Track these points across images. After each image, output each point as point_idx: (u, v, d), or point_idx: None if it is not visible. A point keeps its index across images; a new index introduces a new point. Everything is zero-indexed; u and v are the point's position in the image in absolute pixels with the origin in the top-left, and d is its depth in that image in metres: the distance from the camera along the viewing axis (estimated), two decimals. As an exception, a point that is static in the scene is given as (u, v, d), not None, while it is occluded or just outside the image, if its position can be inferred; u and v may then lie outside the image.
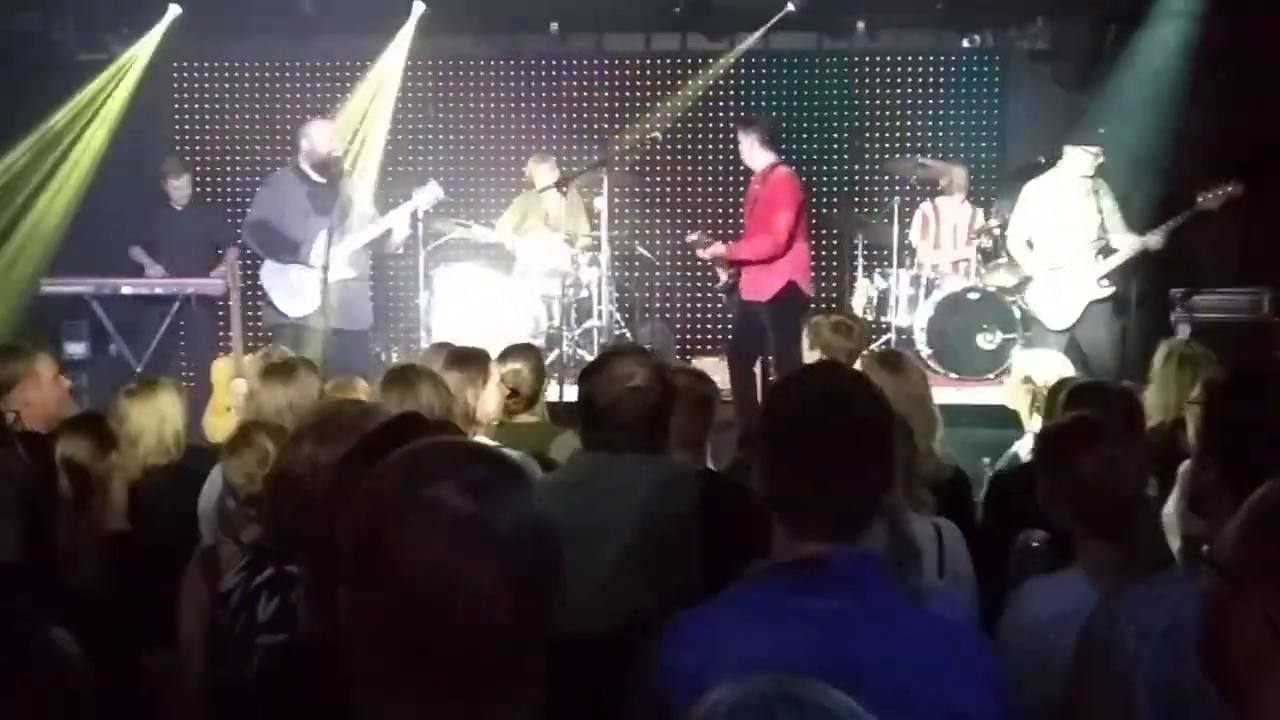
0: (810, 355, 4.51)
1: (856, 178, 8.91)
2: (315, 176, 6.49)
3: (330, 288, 6.31)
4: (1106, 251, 6.59)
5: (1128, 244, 6.49)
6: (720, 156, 8.87)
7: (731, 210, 8.74)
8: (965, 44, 8.70)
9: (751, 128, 6.65)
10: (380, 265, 7.23)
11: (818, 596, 1.62)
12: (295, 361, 3.94)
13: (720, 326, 8.83)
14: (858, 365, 3.83)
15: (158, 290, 7.59)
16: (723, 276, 6.83)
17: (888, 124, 8.85)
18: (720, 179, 8.98)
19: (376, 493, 1.16)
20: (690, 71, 8.90)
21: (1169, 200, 6.67)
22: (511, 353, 4.15)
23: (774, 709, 1.06)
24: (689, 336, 8.94)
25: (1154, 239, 6.44)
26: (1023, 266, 6.88)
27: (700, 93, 8.83)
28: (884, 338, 7.50)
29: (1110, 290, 6.58)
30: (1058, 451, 2.43)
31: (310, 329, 6.33)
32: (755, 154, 6.61)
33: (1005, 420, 5.38)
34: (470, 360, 3.75)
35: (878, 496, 1.70)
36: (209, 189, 8.92)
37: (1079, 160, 6.49)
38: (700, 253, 6.91)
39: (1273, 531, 1.21)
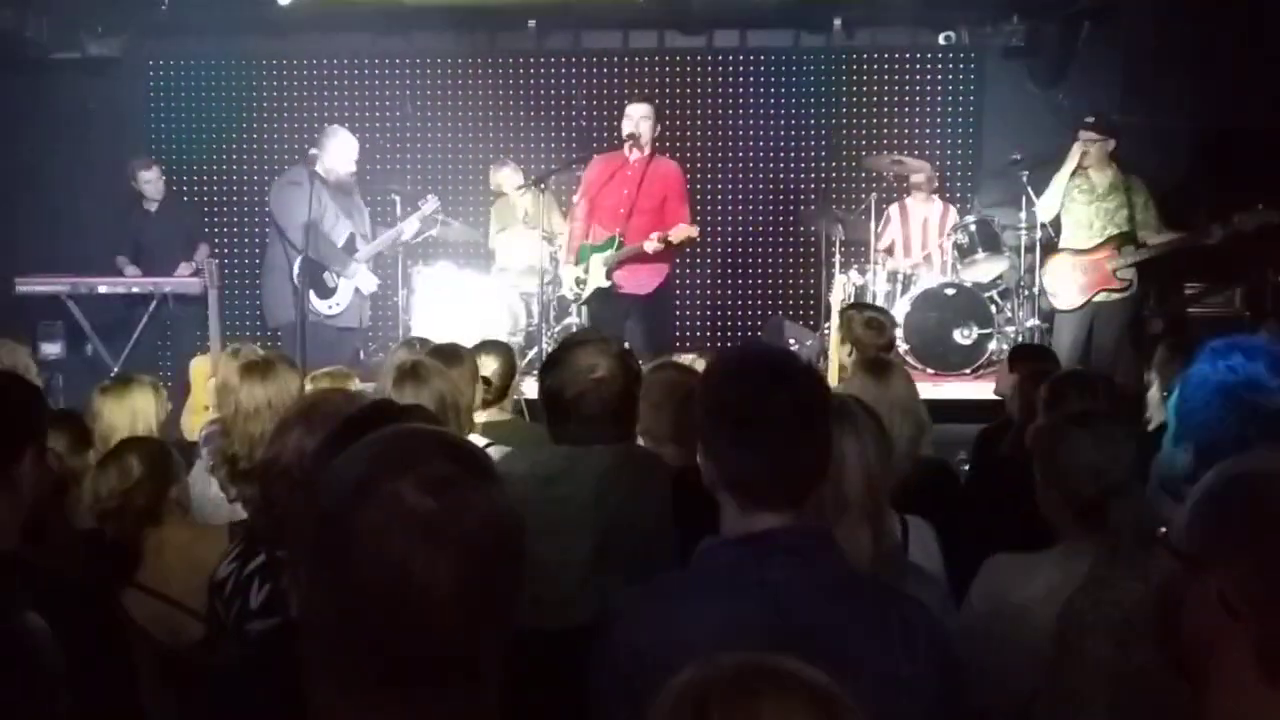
0: (842, 349, 4.55)
1: (833, 174, 8.94)
2: (333, 181, 6.76)
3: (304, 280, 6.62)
4: (1135, 246, 6.69)
5: (1157, 241, 6.62)
6: (697, 153, 8.88)
7: (707, 209, 8.76)
8: (940, 40, 8.75)
9: (655, 115, 6.88)
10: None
11: (766, 569, 1.67)
12: (273, 358, 3.94)
13: (696, 322, 8.85)
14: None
15: (134, 290, 7.55)
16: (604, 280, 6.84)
17: (864, 121, 8.88)
18: (696, 175, 8.99)
19: (339, 481, 1.16)
20: (668, 68, 8.94)
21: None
22: (484, 347, 4.18)
23: (754, 685, 1.06)
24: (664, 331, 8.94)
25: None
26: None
27: (678, 89, 8.87)
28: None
29: (1124, 285, 6.65)
30: (1046, 441, 2.46)
31: (324, 325, 6.67)
32: (650, 139, 6.77)
33: (982, 415, 5.43)
34: (456, 355, 3.77)
35: (824, 466, 1.75)
36: (185, 189, 8.88)
37: (1081, 149, 6.67)
38: (649, 247, 6.73)
39: (1225, 513, 1.23)
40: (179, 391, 6.35)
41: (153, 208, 7.89)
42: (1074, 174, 6.79)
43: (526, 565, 1.19)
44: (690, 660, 1.13)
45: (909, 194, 7.91)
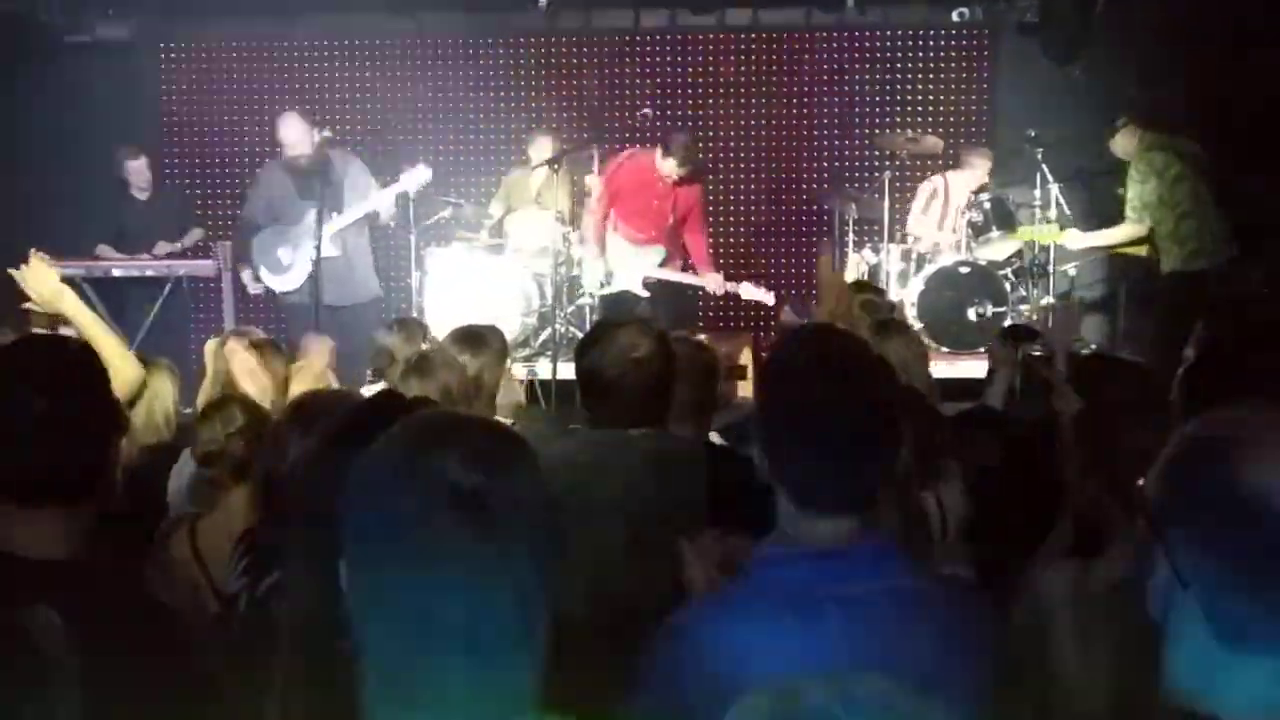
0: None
1: (846, 152, 8.90)
2: (291, 164, 6.69)
3: (319, 265, 6.54)
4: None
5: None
6: (708, 132, 8.85)
7: (721, 189, 8.74)
8: (954, 17, 8.68)
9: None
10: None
11: (841, 583, 1.59)
12: (261, 343, 3.97)
13: (710, 303, 8.83)
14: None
15: (149, 272, 7.57)
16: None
17: (877, 98, 8.83)
18: (708, 154, 8.96)
19: (375, 468, 1.16)
20: (679, 47, 8.89)
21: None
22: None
23: (833, 710, 0.96)
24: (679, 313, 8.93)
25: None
26: None
27: (690, 68, 8.84)
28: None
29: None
30: (1101, 428, 2.39)
31: (301, 306, 6.60)
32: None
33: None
34: (479, 339, 3.75)
35: (889, 468, 1.68)
36: (197, 171, 8.90)
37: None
38: (714, 289, 7.10)
39: (1176, 478, 1.21)
40: (194, 374, 6.38)
41: (143, 196, 7.92)
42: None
43: (561, 544, 1.20)
44: (763, 681, 1.07)
45: (955, 168, 7.82)
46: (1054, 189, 7.46)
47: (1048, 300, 7.42)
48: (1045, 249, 7.51)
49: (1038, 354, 3.03)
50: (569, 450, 2.60)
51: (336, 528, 1.19)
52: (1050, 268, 7.52)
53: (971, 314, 7.29)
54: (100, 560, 1.82)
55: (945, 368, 6.84)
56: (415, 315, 7.15)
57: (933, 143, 7.89)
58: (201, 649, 1.87)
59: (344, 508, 1.18)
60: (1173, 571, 1.17)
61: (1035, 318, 7.33)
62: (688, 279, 7.06)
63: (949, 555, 2.58)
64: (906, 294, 7.40)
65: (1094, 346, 6.98)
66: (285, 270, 6.72)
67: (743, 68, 8.90)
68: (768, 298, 7.04)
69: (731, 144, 8.86)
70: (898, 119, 8.61)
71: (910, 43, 8.80)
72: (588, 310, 7.45)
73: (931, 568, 2.08)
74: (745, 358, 7.62)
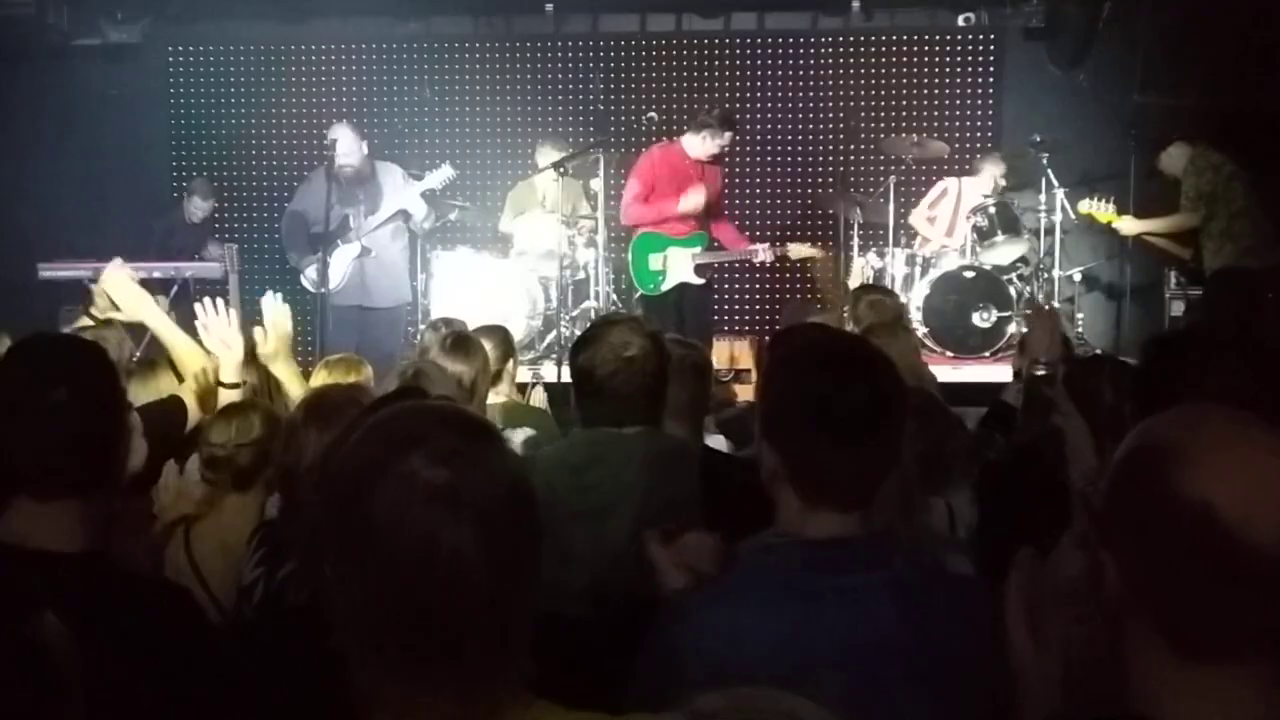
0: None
1: (851, 157, 8.91)
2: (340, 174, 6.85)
3: (350, 266, 6.85)
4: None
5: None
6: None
7: (725, 192, 8.73)
8: (960, 22, 8.69)
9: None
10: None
11: (839, 574, 1.60)
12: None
13: (715, 304, 8.83)
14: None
15: (155, 274, 7.59)
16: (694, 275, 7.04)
17: (882, 103, 8.84)
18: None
19: (350, 467, 1.18)
20: (685, 52, 8.91)
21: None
22: (478, 332, 4.21)
23: None
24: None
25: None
26: None
27: (696, 73, 8.86)
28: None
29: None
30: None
31: (338, 307, 6.80)
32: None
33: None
34: (468, 348, 3.77)
35: (892, 464, 1.68)
36: (205, 174, 8.93)
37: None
38: (762, 259, 7.13)
39: (1121, 487, 1.19)
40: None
41: (197, 220, 8.20)
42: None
43: (541, 531, 1.20)
44: (762, 668, 1.07)
45: (970, 175, 7.85)
46: (1059, 194, 7.46)
47: (1053, 305, 7.43)
48: (1050, 253, 7.51)
49: (1040, 373, 3.05)
50: (563, 450, 2.61)
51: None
52: (1055, 272, 7.52)
53: (976, 318, 7.29)
54: (117, 551, 1.84)
55: (950, 372, 6.85)
56: (421, 318, 7.20)
57: (938, 147, 7.90)
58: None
59: (322, 507, 1.19)
60: (1122, 581, 1.16)
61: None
62: (736, 255, 7.17)
63: (954, 555, 2.59)
64: (911, 298, 7.40)
65: (1098, 351, 6.97)
66: (323, 273, 6.86)
67: (748, 72, 8.92)
68: (818, 253, 7.27)
69: (736, 148, 8.85)
70: (903, 124, 8.62)
71: (915, 48, 8.81)
72: (592, 314, 7.46)
73: (934, 562, 2.08)
74: (747, 360, 7.66)
